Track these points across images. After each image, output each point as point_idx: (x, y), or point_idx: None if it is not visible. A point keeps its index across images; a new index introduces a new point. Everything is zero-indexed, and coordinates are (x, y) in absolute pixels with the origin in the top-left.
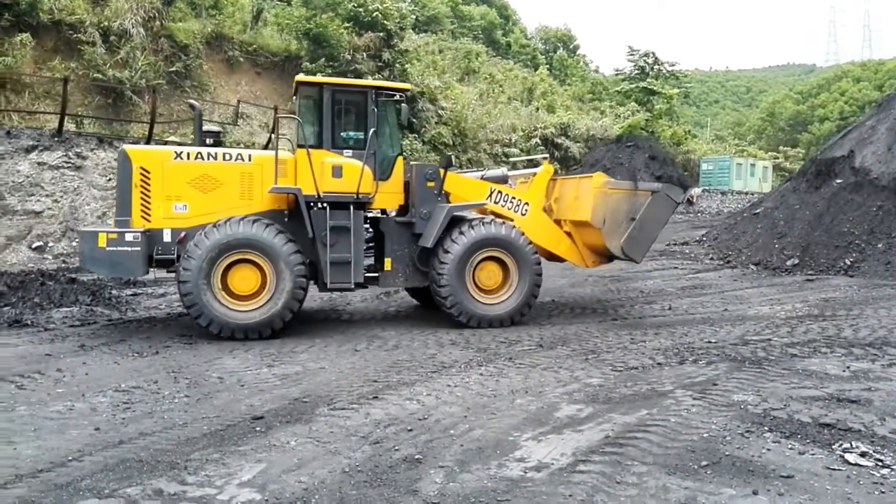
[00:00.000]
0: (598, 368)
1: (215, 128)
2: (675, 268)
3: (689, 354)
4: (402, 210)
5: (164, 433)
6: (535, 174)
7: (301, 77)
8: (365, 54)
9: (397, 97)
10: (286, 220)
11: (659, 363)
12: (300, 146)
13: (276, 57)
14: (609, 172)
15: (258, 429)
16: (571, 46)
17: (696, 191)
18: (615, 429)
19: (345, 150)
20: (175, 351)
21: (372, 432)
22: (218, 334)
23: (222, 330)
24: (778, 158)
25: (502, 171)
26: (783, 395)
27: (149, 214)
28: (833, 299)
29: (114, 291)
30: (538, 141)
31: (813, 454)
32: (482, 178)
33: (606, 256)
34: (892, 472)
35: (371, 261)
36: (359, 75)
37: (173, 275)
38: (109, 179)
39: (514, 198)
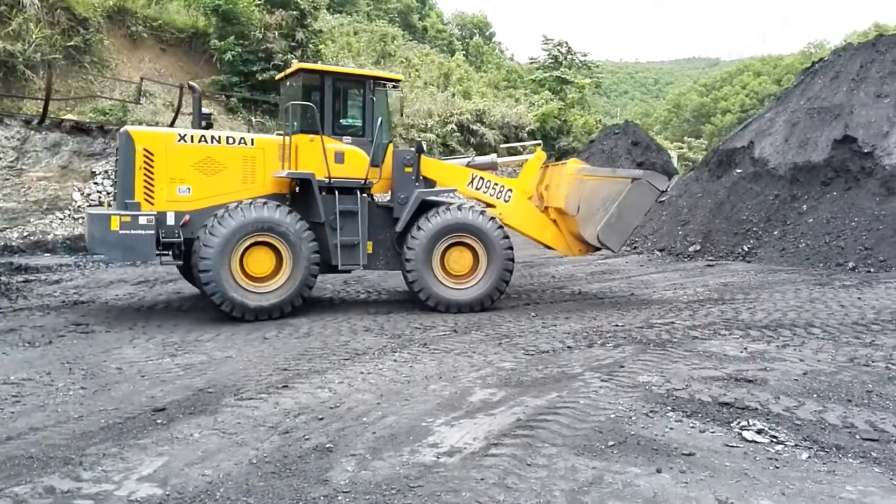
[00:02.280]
0: (510, 353)
1: (208, 111)
2: None
3: (597, 338)
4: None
5: (58, 427)
6: (525, 161)
7: (303, 64)
8: (277, 33)
9: (391, 87)
10: (287, 204)
11: (569, 346)
12: (303, 132)
13: (183, 33)
14: (591, 160)
15: (159, 421)
16: (487, 33)
17: (676, 178)
18: (526, 412)
19: (343, 137)
20: (70, 341)
21: (281, 422)
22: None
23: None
24: (683, 148)
25: (491, 157)
26: (685, 376)
27: (152, 197)
28: (731, 284)
29: (2, 277)
30: (454, 127)
31: (713, 432)
32: (468, 164)
33: (591, 245)
34: (786, 448)
35: None
36: (270, 55)
37: (178, 259)
38: (0, 158)
39: (496, 184)
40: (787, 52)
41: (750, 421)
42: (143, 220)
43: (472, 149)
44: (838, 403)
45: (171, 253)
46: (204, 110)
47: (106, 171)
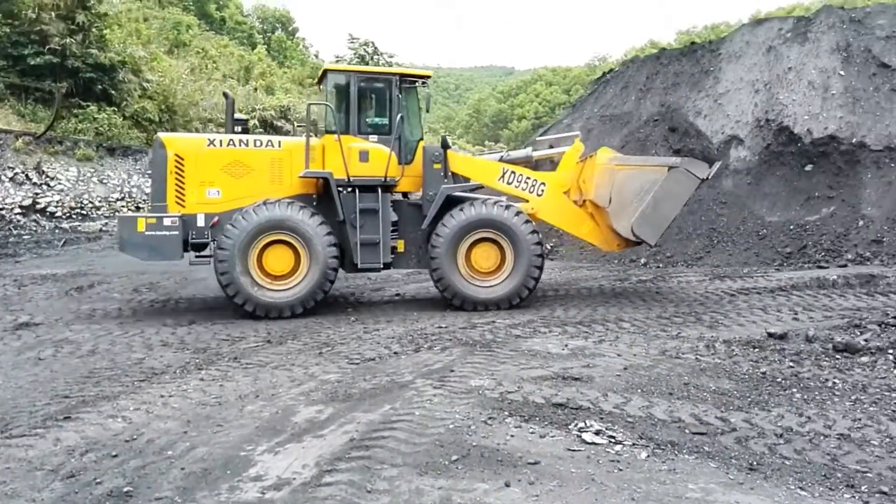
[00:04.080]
0: (333, 362)
1: (243, 116)
2: None
3: (423, 341)
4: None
5: None
6: (562, 153)
7: (329, 65)
8: (54, 14)
9: (420, 84)
10: (314, 203)
11: (395, 352)
12: (329, 132)
13: None
14: (624, 150)
15: None
16: (290, 28)
17: (717, 165)
18: (360, 429)
19: (370, 136)
20: None
21: (64, 463)
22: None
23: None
24: (483, 152)
25: (526, 151)
26: (515, 377)
27: (183, 200)
28: (541, 281)
29: None
30: (256, 123)
31: (553, 436)
32: (501, 159)
33: (629, 239)
34: (625, 449)
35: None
36: (45, 38)
37: (207, 258)
38: None
39: (528, 178)
40: (574, 63)
41: (587, 422)
42: (167, 222)
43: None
44: (661, 397)
45: (206, 254)
46: (241, 117)
47: None
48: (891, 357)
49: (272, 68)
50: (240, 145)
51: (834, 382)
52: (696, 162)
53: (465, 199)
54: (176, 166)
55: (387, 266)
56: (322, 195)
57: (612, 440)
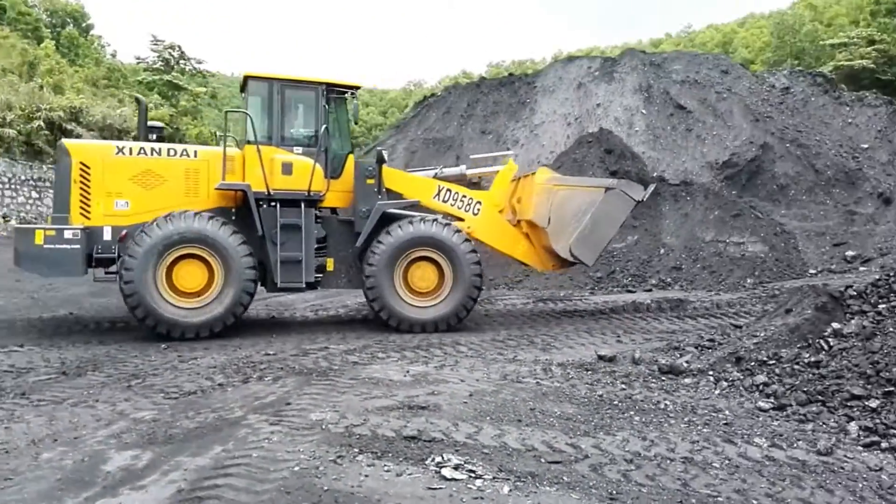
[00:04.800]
0: (146, 397)
1: (158, 123)
2: None
3: (251, 371)
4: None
5: None
6: (496, 172)
7: (249, 72)
8: None
9: (349, 94)
10: (233, 218)
11: (220, 384)
12: (248, 142)
13: None
14: (561, 171)
15: None
16: (84, 25)
17: (651, 188)
18: (188, 477)
19: (294, 147)
20: None
21: None
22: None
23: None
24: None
25: (460, 169)
26: (359, 409)
27: (88, 211)
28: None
29: None
30: (42, 124)
31: (410, 474)
32: (435, 176)
33: (564, 260)
34: (486, 483)
35: (322, 261)
36: None
37: (113, 275)
38: None
39: (464, 196)
40: (390, 87)
41: (443, 455)
42: (68, 235)
43: None
44: (511, 424)
45: (111, 270)
46: (156, 124)
47: None
48: (711, 378)
49: (62, 66)
50: (152, 154)
51: (665, 404)
52: (633, 184)
53: (399, 216)
54: (81, 175)
55: (311, 286)
56: (242, 209)
57: (473, 475)
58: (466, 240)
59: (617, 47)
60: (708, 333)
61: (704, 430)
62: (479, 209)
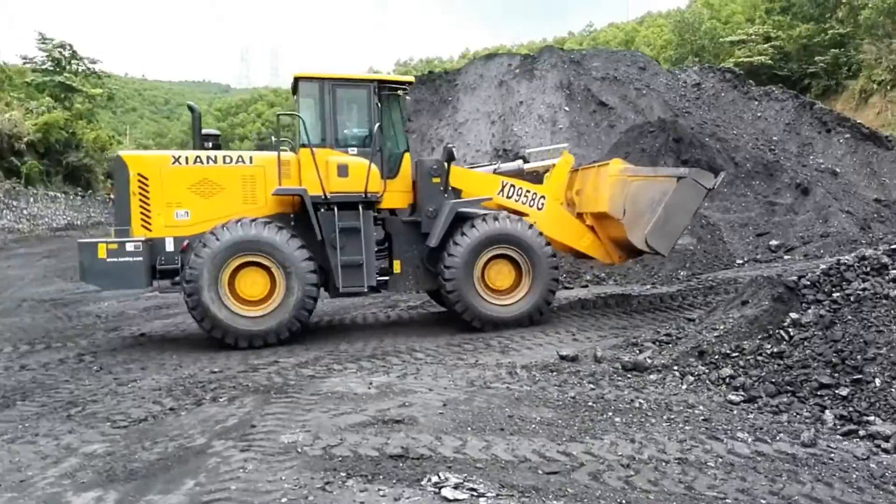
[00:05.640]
0: (92, 428)
1: (213, 131)
2: None
3: (201, 391)
4: (413, 209)
5: None
6: (553, 166)
7: (300, 73)
8: None
9: (401, 90)
10: (293, 223)
11: (171, 408)
12: (303, 146)
13: None
14: (630, 159)
15: None
16: None
17: (723, 175)
18: None
19: (349, 148)
20: None
21: None
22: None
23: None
24: None
25: (517, 164)
26: (331, 427)
27: (149, 223)
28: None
29: None
30: None
31: (409, 498)
32: (495, 171)
33: (633, 251)
34: (491, 501)
35: (385, 263)
36: None
37: (178, 286)
38: None
39: (528, 191)
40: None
41: (440, 475)
42: (130, 247)
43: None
44: (494, 434)
45: (175, 280)
46: (212, 131)
47: None
48: (676, 373)
49: None
50: (207, 162)
51: (640, 403)
52: (703, 172)
53: (469, 215)
54: (140, 186)
55: (374, 289)
56: (301, 214)
57: (475, 493)
58: (541, 235)
59: (523, 46)
60: (662, 327)
61: (686, 427)
62: (543, 203)
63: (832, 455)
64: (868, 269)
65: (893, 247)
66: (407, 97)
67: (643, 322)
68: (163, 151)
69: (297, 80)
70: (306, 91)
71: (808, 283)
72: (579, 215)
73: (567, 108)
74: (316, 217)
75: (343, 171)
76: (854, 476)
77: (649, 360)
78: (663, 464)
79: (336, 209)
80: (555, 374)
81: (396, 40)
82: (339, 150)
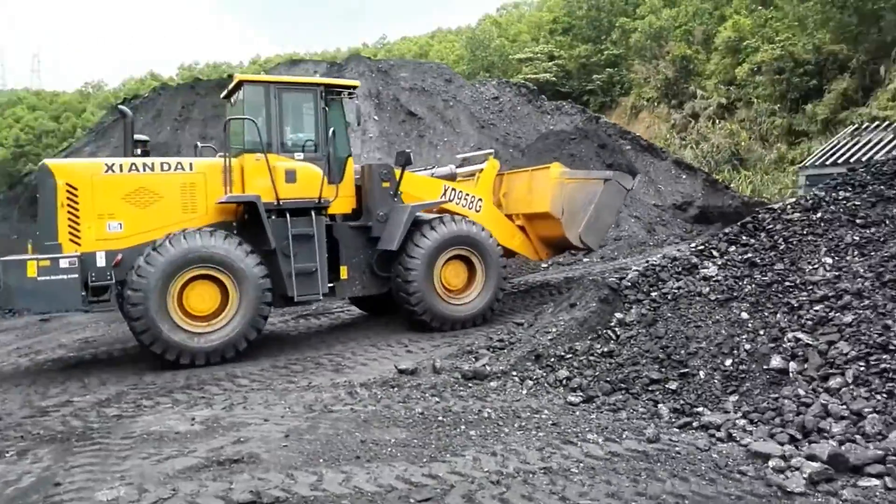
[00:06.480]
0: None
1: (143, 137)
2: None
3: None
4: (355, 214)
5: None
6: (480, 170)
7: (244, 76)
8: None
9: (346, 94)
10: (235, 232)
11: None
12: (247, 151)
13: None
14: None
15: None
16: None
17: (639, 177)
18: None
19: (295, 154)
20: None
21: None
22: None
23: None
24: None
25: (450, 168)
26: (158, 476)
27: (78, 237)
28: (93, 339)
29: None
30: None
31: None
32: (432, 175)
33: (558, 248)
34: None
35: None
36: None
37: (109, 303)
38: None
39: (467, 194)
40: (61, 88)
41: None
42: (64, 264)
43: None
44: (351, 464)
45: (109, 297)
46: (141, 137)
47: None
48: (516, 378)
49: None
50: (144, 170)
51: (488, 412)
52: (624, 175)
53: (421, 219)
54: (68, 197)
55: (324, 296)
56: (245, 222)
57: None
58: (492, 236)
59: (317, 54)
60: (492, 333)
61: (540, 434)
62: (480, 206)
63: (677, 449)
64: (680, 269)
65: (700, 248)
66: (353, 101)
67: (472, 329)
68: (94, 159)
69: (240, 83)
70: (251, 95)
71: (629, 283)
72: (507, 216)
73: (377, 118)
74: (268, 225)
75: (291, 176)
76: (703, 468)
77: (488, 368)
78: (531, 475)
79: (288, 216)
80: (396, 389)
81: (176, 43)
82: (285, 155)
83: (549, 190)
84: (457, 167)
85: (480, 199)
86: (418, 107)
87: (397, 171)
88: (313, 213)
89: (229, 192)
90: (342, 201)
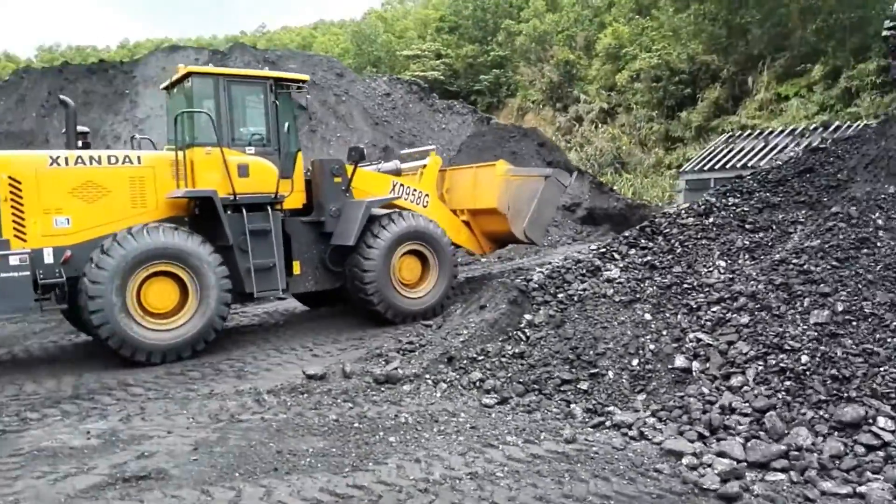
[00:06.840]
0: None
1: (83, 128)
2: None
3: None
4: (305, 209)
5: None
6: (423, 166)
7: (193, 68)
8: None
9: (295, 88)
10: (187, 227)
11: None
12: (197, 144)
13: None
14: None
15: None
16: None
17: (575, 174)
18: None
19: (246, 148)
20: None
21: None
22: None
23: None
24: None
25: (394, 163)
26: (56, 497)
27: (24, 232)
28: None
29: None
30: None
31: None
32: (378, 171)
33: (502, 242)
34: None
35: None
36: None
37: (58, 302)
38: None
39: (415, 190)
40: None
41: None
42: (14, 261)
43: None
44: (269, 476)
45: (52, 296)
46: (82, 128)
47: None
48: (429, 381)
49: None
50: (91, 163)
51: (405, 417)
52: (562, 172)
53: (376, 214)
54: (11, 191)
55: (283, 292)
56: (196, 217)
57: None
58: (444, 231)
59: (191, 40)
60: (401, 336)
61: (460, 437)
62: (427, 201)
63: (595, 449)
64: (584, 270)
65: (602, 250)
66: (307, 94)
67: (380, 331)
68: (38, 152)
69: (188, 74)
70: (199, 87)
71: (536, 285)
72: (452, 211)
73: None
74: (225, 220)
75: (244, 171)
76: (621, 467)
77: (400, 371)
78: (457, 481)
79: (245, 211)
80: (306, 395)
81: (31, 23)
82: (236, 149)
83: (495, 186)
84: (401, 163)
85: (427, 195)
86: (309, 101)
87: (349, 167)
88: (269, 209)
89: (181, 186)
90: (293, 196)
